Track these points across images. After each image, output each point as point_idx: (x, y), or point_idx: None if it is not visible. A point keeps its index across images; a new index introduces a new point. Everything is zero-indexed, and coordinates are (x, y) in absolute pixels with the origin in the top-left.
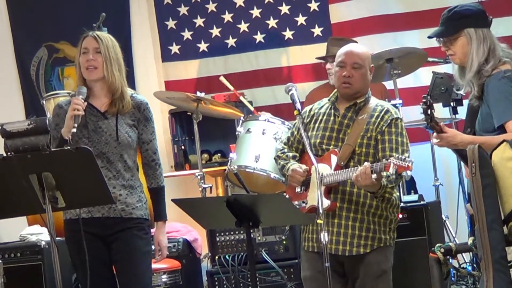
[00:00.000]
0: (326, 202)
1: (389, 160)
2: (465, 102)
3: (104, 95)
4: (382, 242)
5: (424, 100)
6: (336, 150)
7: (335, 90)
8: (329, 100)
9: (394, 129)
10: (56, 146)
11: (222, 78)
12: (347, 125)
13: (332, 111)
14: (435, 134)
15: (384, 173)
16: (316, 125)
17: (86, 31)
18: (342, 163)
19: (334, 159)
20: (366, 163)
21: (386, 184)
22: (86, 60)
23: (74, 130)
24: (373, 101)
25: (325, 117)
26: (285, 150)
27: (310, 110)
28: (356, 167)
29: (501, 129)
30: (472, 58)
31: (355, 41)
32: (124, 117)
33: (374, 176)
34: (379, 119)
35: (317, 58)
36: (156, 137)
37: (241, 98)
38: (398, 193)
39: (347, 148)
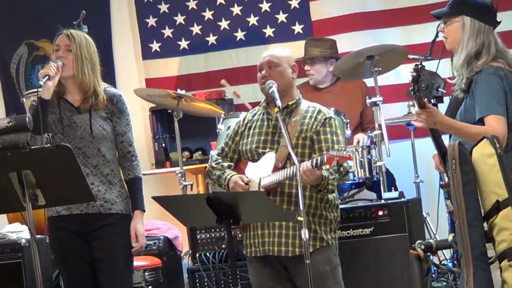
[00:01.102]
0: None
1: (329, 153)
2: (446, 99)
3: (77, 92)
4: (325, 242)
5: (415, 68)
6: (273, 153)
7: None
8: (260, 106)
9: (328, 129)
10: (32, 113)
11: (223, 82)
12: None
13: (265, 116)
14: (416, 108)
15: (324, 167)
16: (251, 131)
17: (61, 28)
18: (279, 164)
19: (272, 162)
20: (304, 163)
21: (327, 176)
22: (56, 57)
23: (46, 78)
24: (305, 103)
25: (259, 123)
26: (219, 160)
27: (244, 119)
28: (292, 166)
29: (481, 122)
30: (462, 47)
31: (333, 40)
32: (97, 111)
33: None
34: (312, 119)
35: (296, 59)
36: (131, 129)
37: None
38: (336, 194)
39: (284, 150)
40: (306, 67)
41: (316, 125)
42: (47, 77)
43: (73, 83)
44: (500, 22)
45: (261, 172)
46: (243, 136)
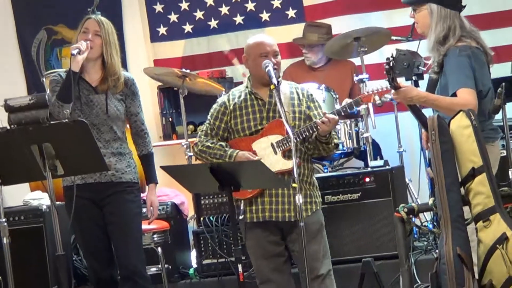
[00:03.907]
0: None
1: (363, 93)
2: (426, 76)
3: (96, 72)
4: (318, 205)
5: (387, 61)
6: (279, 119)
7: (247, 77)
8: (246, 87)
9: (316, 103)
10: (61, 87)
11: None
12: (275, 104)
13: (253, 96)
14: (393, 91)
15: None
16: (243, 111)
17: (90, 14)
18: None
19: (281, 126)
20: (331, 114)
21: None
22: (83, 39)
23: (77, 51)
24: (284, 81)
25: (249, 102)
26: (210, 140)
27: (228, 100)
28: (309, 124)
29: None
30: (431, 31)
31: (329, 25)
32: (114, 94)
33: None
34: (300, 95)
35: (294, 41)
36: (142, 109)
37: (234, 61)
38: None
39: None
40: (304, 50)
41: (306, 101)
42: (77, 49)
43: (93, 65)
44: (465, 6)
45: (274, 138)
46: (233, 116)
